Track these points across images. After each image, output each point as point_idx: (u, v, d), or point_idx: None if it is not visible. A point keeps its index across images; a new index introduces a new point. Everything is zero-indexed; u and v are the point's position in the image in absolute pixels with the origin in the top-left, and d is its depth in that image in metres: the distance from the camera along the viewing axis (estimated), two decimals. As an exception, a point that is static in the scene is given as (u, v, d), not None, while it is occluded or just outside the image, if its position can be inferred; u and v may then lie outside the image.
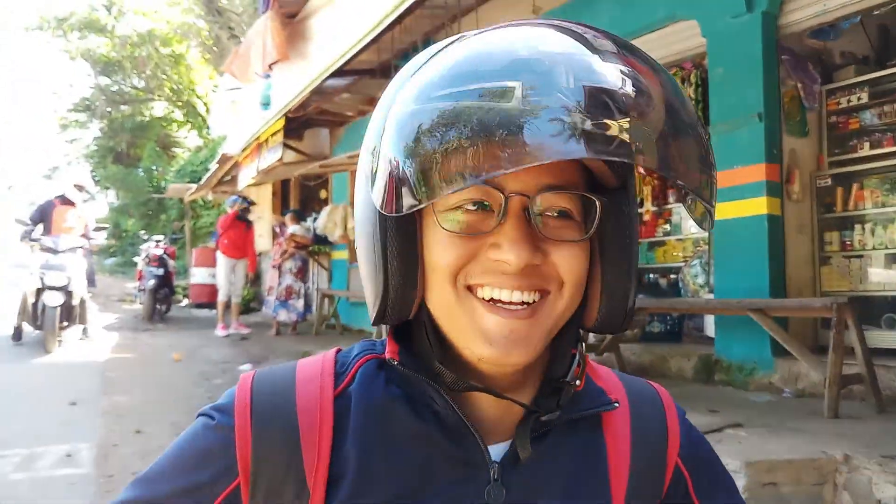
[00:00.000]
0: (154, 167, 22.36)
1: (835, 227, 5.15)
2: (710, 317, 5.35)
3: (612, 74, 0.54)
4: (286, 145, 8.80)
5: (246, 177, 9.92)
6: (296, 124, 9.70)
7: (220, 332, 9.99)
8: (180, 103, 23.76)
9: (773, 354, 4.55)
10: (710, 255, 5.48)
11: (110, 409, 5.68)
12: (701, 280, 5.67)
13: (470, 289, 0.64)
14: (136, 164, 22.94)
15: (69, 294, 7.99)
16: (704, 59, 5.40)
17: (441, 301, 0.65)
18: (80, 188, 9.36)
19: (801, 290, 4.91)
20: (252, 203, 11.27)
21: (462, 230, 0.63)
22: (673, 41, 5.45)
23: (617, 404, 0.73)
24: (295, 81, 7.09)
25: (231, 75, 8.98)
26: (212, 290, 11.85)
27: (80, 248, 8.59)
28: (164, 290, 11.74)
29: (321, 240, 10.57)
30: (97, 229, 9.58)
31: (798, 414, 3.75)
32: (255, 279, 12.95)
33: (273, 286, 9.93)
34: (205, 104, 22.77)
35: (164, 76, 22.95)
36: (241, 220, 10.47)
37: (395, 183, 0.56)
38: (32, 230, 8.44)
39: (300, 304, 9.89)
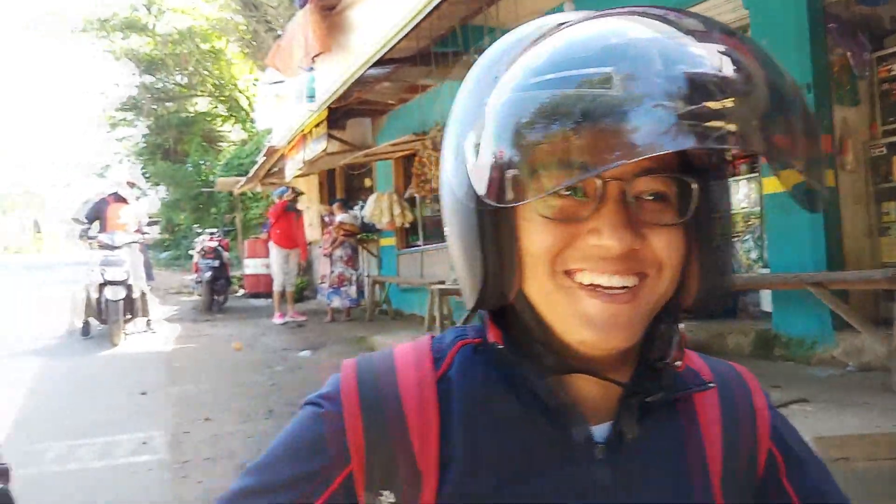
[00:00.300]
0: (202, 161, 22.66)
1: (892, 197, 5.03)
2: (766, 292, 5.28)
3: (709, 56, 0.52)
4: (330, 135, 8.91)
5: (292, 168, 10.05)
6: (338, 114, 9.78)
7: (277, 320, 10.23)
8: (223, 98, 24.12)
9: (833, 328, 4.49)
10: (763, 229, 5.41)
11: (179, 397, 5.91)
12: (754, 255, 5.61)
13: (568, 273, 0.63)
14: (184, 159, 23.29)
15: (129, 288, 8.31)
16: (747, 32, 5.29)
17: (539, 286, 0.64)
18: (131, 185, 9.70)
19: (859, 262, 4.82)
20: (300, 193, 11.47)
21: (558, 216, 0.62)
22: (713, 14, 5.27)
23: (712, 385, 0.72)
24: (337, 73, 7.16)
25: (274, 69, 9.10)
26: (266, 279, 12.08)
27: (136, 242, 8.91)
28: (220, 282, 11.99)
29: (368, 227, 10.71)
30: (150, 223, 9.90)
31: (864, 388, 3.68)
32: (308, 268, 13.18)
33: (325, 274, 10.15)
34: (247, 98, 23.08)
35: (205, 72, 23.28)
36: (290, 210, 10.68)
37: (502, 174, 0.55)
38: (89, 228, 8.79)
39: (353, 290, 10.08)
